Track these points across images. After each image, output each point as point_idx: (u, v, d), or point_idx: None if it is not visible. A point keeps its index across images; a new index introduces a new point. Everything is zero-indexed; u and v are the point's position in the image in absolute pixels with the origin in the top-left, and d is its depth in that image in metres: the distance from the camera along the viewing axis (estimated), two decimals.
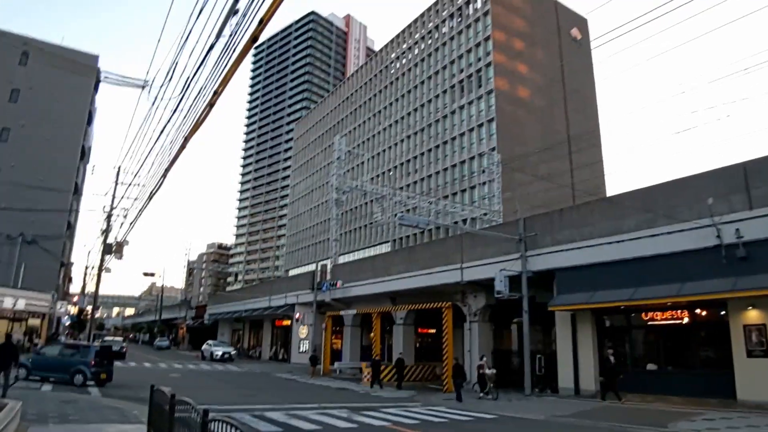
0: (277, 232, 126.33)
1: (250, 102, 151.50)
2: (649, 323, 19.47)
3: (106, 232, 33.90)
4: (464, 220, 47.09)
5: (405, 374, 28.83)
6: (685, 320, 18.59)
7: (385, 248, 69.93)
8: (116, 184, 33.33)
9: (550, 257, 20.48)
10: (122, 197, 33.27)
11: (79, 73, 37.59)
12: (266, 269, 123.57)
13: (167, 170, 12.62)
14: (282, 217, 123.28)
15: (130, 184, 33.00)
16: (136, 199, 31.13)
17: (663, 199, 17.94)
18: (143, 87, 12.41)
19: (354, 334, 34.90)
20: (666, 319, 19.12)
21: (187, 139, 10.84)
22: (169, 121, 14.30)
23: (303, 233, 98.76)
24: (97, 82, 43.20)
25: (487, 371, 20.82)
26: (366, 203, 75.53)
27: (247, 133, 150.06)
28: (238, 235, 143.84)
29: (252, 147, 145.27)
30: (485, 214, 45.68)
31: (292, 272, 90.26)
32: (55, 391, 15.99)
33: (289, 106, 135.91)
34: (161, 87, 14.28)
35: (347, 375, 32.74)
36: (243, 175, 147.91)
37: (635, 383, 18.81)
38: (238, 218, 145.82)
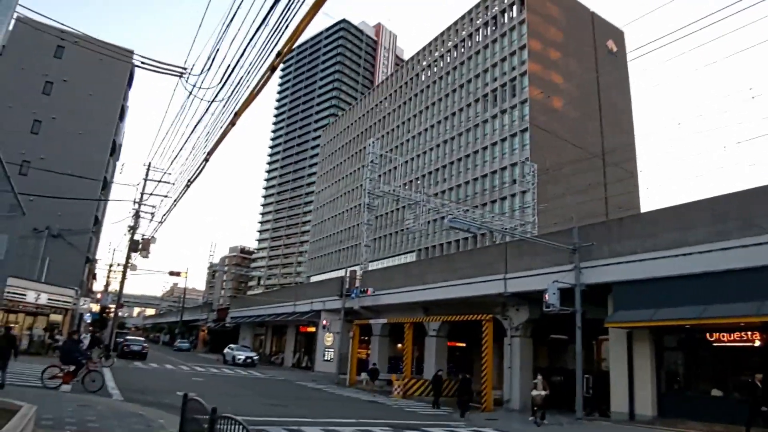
0: (300, 238, 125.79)
1: (277, 108, 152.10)
2: (715, 344, 17.71)
3: (133, 228, 33.21)
4: (482, 234, 45.50)
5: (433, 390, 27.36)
6: (757, 343, 16.81)
7: (410, 257, 68.49)
8: (146, 180, 32.68)
9: (606, 270, 18.87)
10: (151, 194, 32.52)
11: (112, 68, 37.31)
12: (288, 275, 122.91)
13: (210, 154, 11.50)
14: (305, 223, 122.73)
15: (160, 181, 32.25)
16: (166, 196, 30.29)
17: (737, 208, 16.26)
18: (181, 75, 11.17)
19: (382, 344, 33.47)
20: (734, 340, 17.33)
21: (234, 120, 9.72)
22: (207, 110, 13.23)
23: (326, 240, 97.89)
24: (131, 77, 42.96)
25: (534, 392, 19.21)
26: (394, 210, 74.25)
27: (273, 139, 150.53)
28: (260, 240, 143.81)
29: (278, 153, 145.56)
30: (522, 225, 44.04)
31: (313, 278, 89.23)
32: (75, 392, 14.91)
33: (317, 113, 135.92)
34: (200, 74, 13.20)
35: (374, 386, 31.33)
36: (267, 180, 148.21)
37: (697, 410, 17.07)
38: (261, 223, 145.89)
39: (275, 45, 8.06)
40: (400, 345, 38.09)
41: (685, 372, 18.35)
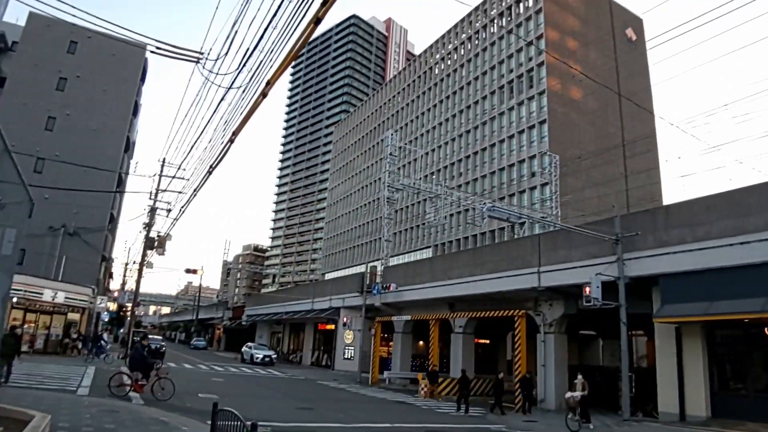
0: (313, 235, 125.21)
1: (288, 105, 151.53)
2: None
3: (149, 225, 32.46)
4: (521, 223, 44.24)
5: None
6: None
7: (427, 253, 67.42)
8: (161, 176, 31.90)
9: (652, 261, 17.68)
10: (165, 189, 31.77)
11: (125, 63, 36.59)
12: (302, 272, 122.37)
13: (236, 133, 10.57)
14: (319, 220, 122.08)
15: (174, 177, 31.46)
16: (181, 192, 29.50)
17: None
18: (197, 60, 10.15)
19: (405, 342, 32.46)
20: None
21: (266, 90, 8.76)
22: (223, 98, 12.30)
23: (341, 236, 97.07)
24: (144, 72, 42.21)
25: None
26: (413, 204, 73.11)
27: (285, 136, 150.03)
28: (274, 238, 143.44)
29: (290, 150, 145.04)
30: (543, 217, 42.72)
31: (329, 275, 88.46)
32: (93, 395, 14.07)
33: (328, 109, 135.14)
34: (217, 59, 12.21)
35: (397, 385, 30.40)
36: (280, 177, 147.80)
37: (755, 410, 15.89)
38: (275, 221, 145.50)
39: (300, 20, 7.21)
40: (421, 342, 37.13)
41: (740, 369, 17.13)
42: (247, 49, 10.65)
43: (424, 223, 67.85)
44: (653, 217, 18.32)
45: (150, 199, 32.26)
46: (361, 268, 71.69)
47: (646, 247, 17.96)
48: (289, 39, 7.80)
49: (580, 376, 18.10)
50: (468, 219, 54.74)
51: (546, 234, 22.44)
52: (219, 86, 12.91)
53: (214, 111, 13.30)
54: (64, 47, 38.24)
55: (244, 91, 11.00)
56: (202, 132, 15.41)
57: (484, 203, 41.45)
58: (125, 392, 14.37)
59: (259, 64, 9.39)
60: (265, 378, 28.37)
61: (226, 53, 11.89)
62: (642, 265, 17.95)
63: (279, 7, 7.95)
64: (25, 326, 26.13)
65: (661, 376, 18.04)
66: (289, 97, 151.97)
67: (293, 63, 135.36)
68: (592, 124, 63.25)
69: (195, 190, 18.00)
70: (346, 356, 36.69)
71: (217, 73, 12.60)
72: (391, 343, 37.18)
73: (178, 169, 29.01)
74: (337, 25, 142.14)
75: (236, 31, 11.56)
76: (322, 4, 6.39)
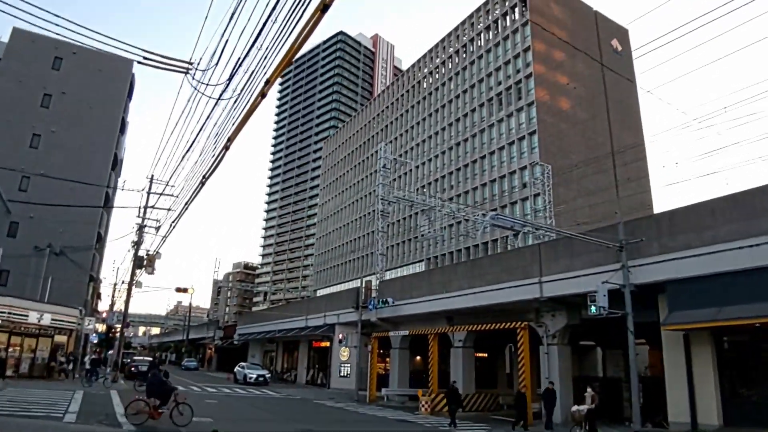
0: (304, 252, 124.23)
1: (277, 122, 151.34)
2: None
3: (137, 243, 31.71)
4: (515, 234, 43.93)
5: (465, 404, 25.69)
6: None
7: (421, 267, 66.91)
8: (149, 193, 31.23)
9: (657, 267, 17.31)
10: (154, 206, 31.06)
11: (112, 79, 35.97)
12: (293, 289, 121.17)
13: (231, 140, 10.08)
14: (309, 236, 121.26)
15: (162, 193, 30.79)
16: (169, 209, 28.85)
17: None
18: (186, 71, 9.69)
19: (402, 358, 31.78)
20: None
21: (264, 91, 8.30)
22: (214, 108, 11.86)
23: (333, 252, 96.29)
24: (131, 88, 41.60)
25: (574, 408, 17.60)
26: (405, 218, 72.81)
27: (274, 153, 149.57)
28: (264, 255, 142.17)
29: (279, 166, 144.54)
30: (537, 230, 42.46)
31: (320, 292, 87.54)
32: (80, 422, 13.30)
33: (317, 125, 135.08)
34: (206, 71, 11.80)
35: (396, 402, 29.66)
36: (269, 194, 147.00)
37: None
38: (265, 238, 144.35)
39: (289, 33, 7.07)
40: (419, 358, 36.42)
41: (752, 376, 16.72)
42: (239, 57, 10.28)
43: (417, 237, 67.51)
44: (657, 223, 18.00)
45: (138, 216, 31.57)
46: (354, 284, 70.81)
47: (651, 254, 17.61)
48: (284, 42, 7.49)
49: (589, 389, 17.60)
50: (462, 230, 54.65)
51: (547, 243, 22.05)
52: (209, 97, 12.41)
53: (205, 121, 12.83)
54: (48, 63, 37.57)
55: (236, 102, 10.56)
56: (192, 143, 14.88)
57: (485, 212, 41.15)
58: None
59: (252, 73, 9.00)
60: (259, 399, 27.52)
61: (217, 63, 11.44)
62: (647, 272, 17.58)
63: (273, 9, 7.72)
64: (10, 350, 25.15)
65: (671, 385, 17.60)
66: (278, 114, 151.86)
67: (280, 79, 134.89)
68: (581, 134, 63.55)
69: (186, 203, 17.42)
70: (342, 374, 35.87)
71: (207, 84, 12.16)
72: (388, 360, 36.45)
73: (166, 185, 28.34)
74: (325, 42, 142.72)
75: (227, 40, 11.14)
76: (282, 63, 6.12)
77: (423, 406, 24.40)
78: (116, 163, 41.13)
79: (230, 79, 10.97)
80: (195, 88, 11.97)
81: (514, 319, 22.95)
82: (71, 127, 36.48)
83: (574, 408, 18.20)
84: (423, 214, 34.04)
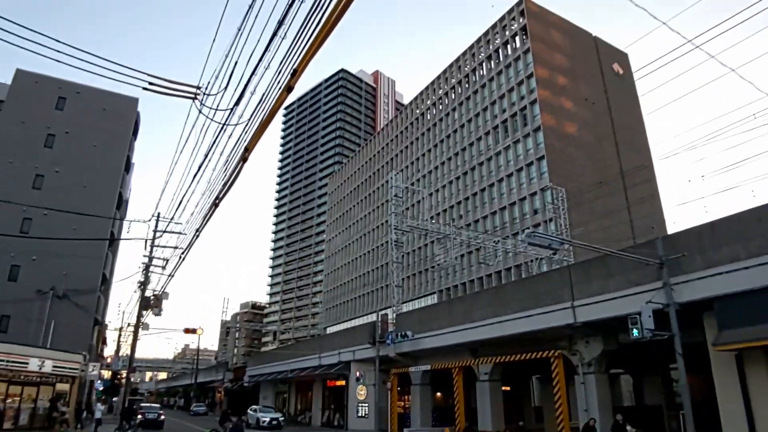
0: (312, 289, 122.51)
1: (281, 161, 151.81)
2: None
3: (144, 284, 30.58)
4: (532, 261, 42.61)
5: None
6: None
7: (432, 299, 65.25)
8: (155, 231, 30.28)
9: (703, 284, 15.98)
10: (162, 233, 30.06)
11: (117, 118, 35.47)
12: (302, 327, 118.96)
13: (247, 152, 9.10)
14: (317, 273, 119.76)
15: (165, 231, 29.86)
16: (176, 248, 27.84)
17: None
18: (194, 97, 8.68)
19: (424, 394, 30.05)
20: None
21: (247, 150, 7.45)
22: (222, 132, 11.04)
23: (341, 288, 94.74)
24: (136, 127, 41.13)
25: None
26: (415, 249, 71.44)
27: (279, 191, 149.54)
28: (272, 294, 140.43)
29: (284, 204, 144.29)
30: (554, 254, 41.16)
31: (330, 329, 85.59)
32: None
33: (321, 162, 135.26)
34: (215, 95, 11.04)
35: None
36: (275, 233, 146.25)
37: None
38: (272, 276, 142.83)
39: (293, 60, 6.91)
40: (439, 394, 34.65)
41: None
42: (247, 82, 9.53)
43: (433, 267, 66.10)
44: (698, 236, 16.74)
45: (144, 255, 30.50)
46: (366, 319, 69.19)
47: (694, 269, 16.30)
48: (284, 73, 7.01)
49: (619, 416, 16.01)
50: (479, 258, 53.08)
51: (576, 265, 20.78)
52: (219, 123, 11.47)
53: (214, 146, 11.92)
54: (52, 103, 37.17)
55: (246, 126, 9.71)
56: (202, 165, 13.93)
57: (498, 239, 40.01)
58: None
59: (263, 96, 8.22)
60: None
61: (225, 87, 10.61)
62: (692, 288, 16.24)
63: (269, 44, 7.50)
64: (8, 401, 23.66)
65: (725, 409, 16.03)
66: (282, 152, 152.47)
67: (284, 116, 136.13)
68: (589, 158, 62.90)
69: (197, 231, 16.38)
70: (359, 414, 33.98)
71: (216, 109, 11.26)
72: (407, 397, 34.68)
73: (170, 221, 27.41)
74: (326, 80, 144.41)
75: (236, 63, 10.34)
76: (292, 74, 5.42)
77: None
78: (121, 203, 40.33)
79: (238, 102, 10.12)
80: (204, 114, 11.12)
81: (543, 348, 21.51)
82: (75, 167, 35.79)
83: None
84: (438, 242, 32.84)
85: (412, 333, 27.72)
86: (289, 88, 7.07)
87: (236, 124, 10.80)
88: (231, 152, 10.92)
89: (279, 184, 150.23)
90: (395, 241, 32.02)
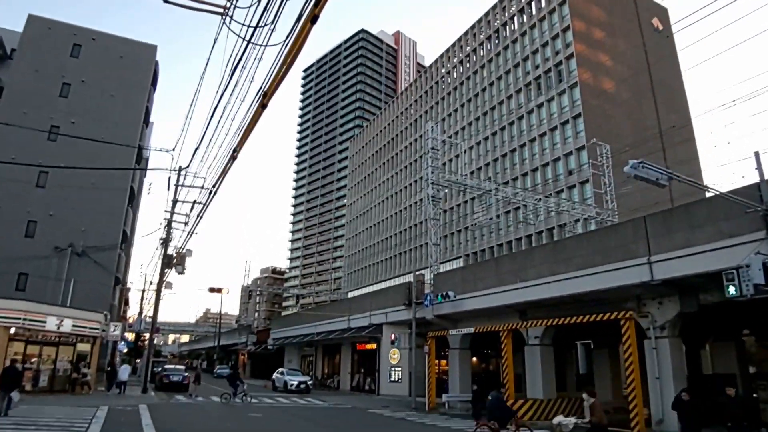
0: (333, 254, 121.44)
1: (300, 124, 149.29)
2: None
3: (166, 240, 28.86)
4: (576, 220, 40.13)
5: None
6: None
7: (456, 264, 63.14)
8: (177, 185, 28.35)
9: None
10: (182, 200, 28.18)
11: (134, 67, 33.34)
12: (322, 293, 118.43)
13: (246, 132, 6.90)
14: (338, 238, 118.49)
15: (185, 185, 27.92)
16: (195, 202, 25.92)
17: None
18: (223, 13, 5.80)
19: (463, 359, 28.23)
20: None
21: (266, 95, 5.22)
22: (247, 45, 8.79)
23: (363, 252, 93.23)
24: (155, 77, 38.93)
25: (557, 420, 14.40)
26: (450, 208, 68.72)
27: (298, 155, 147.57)
28: (292, 259, 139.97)
29: (304, 168, 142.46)
30: (599, 214, 38.61)
31: (352, 294, 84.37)
32: None
33: (341, 125, 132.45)
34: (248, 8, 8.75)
35: (459, 410, 26.11)
36: (296, 197, 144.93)
37: None
38: (292, 242, 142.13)
39: None
40: (474, 359, 32.85)
41: None
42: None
43: (466, 228, 63.77)
44: None
45: (166, 211, 28.73)
46: (389, 283, 67.48)
47: None
48: None
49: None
50: (521, 217, 50.69)
51: (654, 215, 18.32)
52: (251, 42, 9.17)
53: (233, 68, 9.71)
54: (66, 51, 34.97)
55: (284, 43, 7.52)
56: (216, 110, 11.71)
57: (540, 197, 37.42)
58: None
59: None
60: (307, 409, 24.26)
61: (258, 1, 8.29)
62: None
63: None
64: (27, 362, 22.24)
65: None
66: (301, 115, 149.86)
67: (303, 78, 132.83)
68: (627, 116, 59.59)
69: (218, 181, 14.22)
70: (392, 378, 32.41)
71: (248, 26, 8.92)
72: (443, 362, 32.96)
73: (186, 167, 25.38)
74: (346, 41, 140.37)
75: None
76: None
77: None
78: (140, 157, 38.50)
79: (276, 20, 7.84)
80: (233, 31, 8.78)
81: (606, 310, 19.23)
82: (92, 118, 33.79)
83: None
84: (479, 200, 30.49)
85: (454, 293, 25.66)
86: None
87: (265, 45, 8.52)
88: (253, 99, 8.72)
89: (299, 148, 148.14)
90: (432, 196, 29.67)
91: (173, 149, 37.70)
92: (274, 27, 8.13)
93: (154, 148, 26.94)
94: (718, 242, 15.55)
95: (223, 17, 9.18)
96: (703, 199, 16.74)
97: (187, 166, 26.16)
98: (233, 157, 9.90)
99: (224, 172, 10.96)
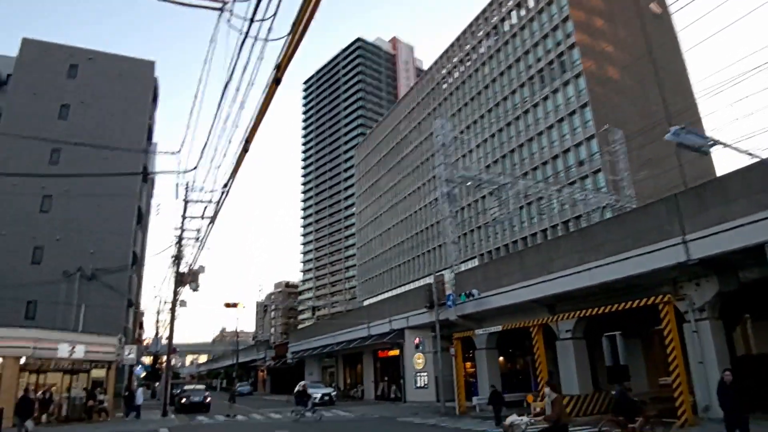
0: (345, 263, 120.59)
1: (304, 137, 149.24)
2: None
3: (177, 258, 28.16)
4: (595, 208, 39.09)
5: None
6: None
7: (472, 264, 62.10)
8: (186, 201, 27.75)
9: None
10: (191, 215, 27.51)
11: (134, 84, 32.83)
12: (337, 303, 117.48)
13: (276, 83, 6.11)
14: (349, 247, 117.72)
15: (188, 201, 27.30)
16: (204, 212, 25.13)
17: None
18: (222, 9, 4.82)
19: (491, 359, 27.24)
20: None
21: (279, 69, 4.48)
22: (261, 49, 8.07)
23: (376, 260, 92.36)
24: (155, 93, 38.45)
25: (508, 420, 13.63)
26: (463, 207, 67.63)
27: (304, 167, 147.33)
28: (305, 271, 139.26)
29: (311, 180, 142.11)
30: (617, 201, 37.58)
31: (367, 302, 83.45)
32: None
33: (345, 134, 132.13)
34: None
35: (490, 412, 25.06)
36: (304, 209, 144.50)
37: None
38: (304, 254, 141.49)
39: None
40: (501, 358, 31.82)
41: None
42: None
43: (479, 227, 62.68)
44: None
45: (176, 228, 28.09)
46: (404, 288, 66.51)
47: None
48: None
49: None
50: (540, 210, 49.62)
51: (686, 192, 17.36)
52: (253, 38, 8.43)
53: (232, 63, 8.94)
54: (63, 72, 34.54)
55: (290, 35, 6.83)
56: (221, 99, 10.96)
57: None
58: None
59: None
60: (334, 422, 23.32)
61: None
62: None
63: None
64: (39, 391, 21.43)
65: None
66: (304, 128, 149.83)
67: (303, 91, 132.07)
68: (633, 104, 58.61)
69: (229, 179, 13.43)
70: (418, 384, 31.40)
71: (250, 20, 8.19)
72: (468, 364, 31.91)
73: (187, 170, 24.70)
74: (343, 51, 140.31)
75: None
76: None
77: (535, 412, 19.76)
78: (146, 175, 37.96)
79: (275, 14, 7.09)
80: (234, 27, 8.04)
81: (638, 296, 18.22)
82: (93, 138, 33.30)
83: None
84: (492, 196, 29.59)
85: (478, 291, 24.70)
86: None
87: (268, 40, 7.74)
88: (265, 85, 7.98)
89: (304, 160, 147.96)
90: (447, 193, 28.77)
91: (179, 151, 37.07)
92: (267, 20, 7.35)
93: (160, 151, 26.14)
94: (756, 214, 14.56)
95: (221, 12, 8.42)
96: (737, 170, 15.70)
97: (195, 168, 25.43)
98: (245, 149, 9.15)
99: (237, 166, 10.23)
